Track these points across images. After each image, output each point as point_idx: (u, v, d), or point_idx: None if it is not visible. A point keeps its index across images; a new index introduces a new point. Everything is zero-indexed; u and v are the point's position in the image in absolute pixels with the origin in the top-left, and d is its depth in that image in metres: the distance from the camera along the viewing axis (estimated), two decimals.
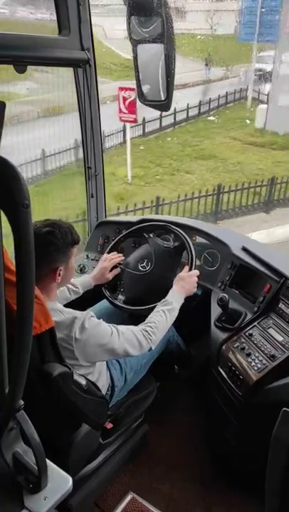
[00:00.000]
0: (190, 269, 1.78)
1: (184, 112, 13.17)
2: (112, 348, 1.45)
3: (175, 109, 12.50)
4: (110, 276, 1.90)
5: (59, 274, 1.42)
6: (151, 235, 1.99)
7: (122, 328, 1.50)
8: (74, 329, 1.38)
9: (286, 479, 1.36)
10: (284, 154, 11.17)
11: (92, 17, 1.80)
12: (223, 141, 12.09)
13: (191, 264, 1.79)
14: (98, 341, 1.43)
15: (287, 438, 1.31)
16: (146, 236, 1.98)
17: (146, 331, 1.52)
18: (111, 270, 1.92)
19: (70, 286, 1.80)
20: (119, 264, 1.95)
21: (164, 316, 1.59)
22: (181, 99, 12.96)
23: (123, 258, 1.95)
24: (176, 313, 1.63)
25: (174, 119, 12.90)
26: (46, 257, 1.38)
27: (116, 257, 1.95)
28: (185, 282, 1.70)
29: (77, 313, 1.45)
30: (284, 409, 1.32)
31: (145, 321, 1.57)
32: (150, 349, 1.53)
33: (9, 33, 1.55)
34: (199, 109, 13.85)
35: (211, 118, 13.96)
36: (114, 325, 1.50)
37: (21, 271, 0.64)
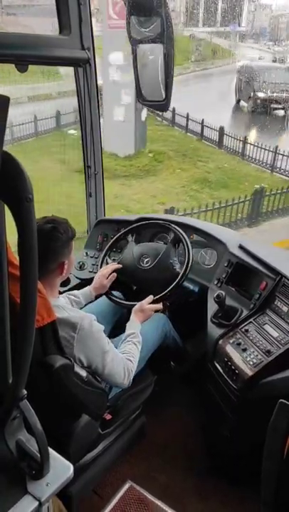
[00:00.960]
0: (186, 266, 1.80)
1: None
2: (107, 359, 1.47)
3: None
4: (107, 283, 1.91)
5: (65, 267, 1.46)
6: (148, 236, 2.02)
7: (115, 349, 1.54)
8: (76, 329, 1.39)
9: (282, 470, 1.39)
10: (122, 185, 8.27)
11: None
12: (47, 166, 7.87)
13: (188, 261, 1.82)
14: (98, 345, 1.45)
15: (284, 428, 1.34)
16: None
17: (130, 369, 1.56)
18: (108, 276, 1.93)
19: (72, 297, 1.83)
20: (115, 271, 1.96)
21: (137, 350, 1.64)
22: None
23: (121, 266, 1.97)
24: (141, 342, 1.68)
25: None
26: (53, 253, 1.41)
27: (112, 265, 1.97)
28: (143, 314, 1.76)
29: (81, 313, 1.47)
30: (280, 400, 1.35)
31: (126, 355, 1.59)
32: (126, 386, 1.58)
33: (10, 32, 1.56)
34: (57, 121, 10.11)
35: (72, 131, 8.97)
36: (112, 344, 1.53)
37: (25, 264, 0.65)
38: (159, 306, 1.81)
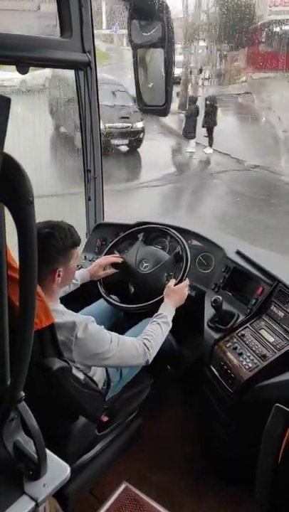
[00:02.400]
0: (183, 273, 1.81)
1: None
2: (109, 356, 1.46)
3: None
4: (102, 274, 1.93)
5: (58, 275, 1.42)
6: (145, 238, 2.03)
7: (122, 338, 1.52)
8: (74, 332, 1.39)
9: (277, 473, 1.41)
10: None
11: None
12: None
13: (186, 266, 1.82)
14: (97, 347, 1.44)
15: (279, 432, 1.35)
16: (141, 239, 2.03)
17: (146, 345, 1.53)
18: (105, 269, 1.95)
19: None
20: (113, 265, 1.97)
21: (160, 329, 1.61)
22: None
23: (121, 260, 1.97)
24: (170, 325, 1.66)
25: None
26: (45, 259, 1.38)
27: (113, 257, 1.98)
28: (175, 294, 1.72)
29: (79, 316, 1.46)
30: (276, 404, 1.36)
31: (143, 334, 1.58)
32: (147, 362, 1.55)
33: (12, 34, 1.56)
34: None
35: None
36: (116, 334, 1.51)
37: (24, 267, 0.65)
38: (187, 282, 1.78)
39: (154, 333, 1.59)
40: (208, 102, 10.79)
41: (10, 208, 0.60)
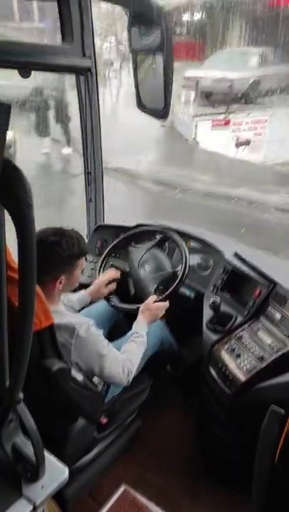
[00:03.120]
0: (182, 275, 1.80)
1: None
2: (105, 363, 1.46)
3: None
4: (106, 291, 1.90)
5: (60, 282, 1.41)
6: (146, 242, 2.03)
7: (115, 351, 1.52)
8: (74, 335, 1.38)
9: (273, 473, 1.40)
10: None
11: None
12: None
13: (185, 267, 1.82)
14: (96, 350, 1.44)
15: (275, 434, 1.34)
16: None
17: (130, 370, 1.55)
18: (107, 285, 1.92)
19: (65, 302, 1.80)
20: (114, 280, 1.96)
21: (138, 349, 1.62)
22: None
23: (119, 275, 1.96)
24: (146, 343, 1.67)
25: None
26: (49, 266, 1.37)
27: (112, 272, 1.96)
28: (150, 313, 1.73)
29: (79, 318, 1.46)
30: (272, 406, 1.35)
31: (127, 353, 1.58)
32: (128, 383, 1.57)
33: (15, 40, 1.57)
34: None
35: None
36: (111, 346, 1.52)
37: (23, 268, 0.65)
38: (166, 303, 1.77)
39: (135, 355, 1.61)
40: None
41: (9, 210, 0.60)
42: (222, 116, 8.36)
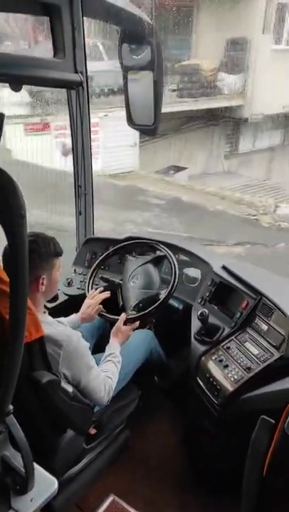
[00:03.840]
0: (173, 283, 1.81)
1: None
2: (91, 377, 1.47)
3: None
4: (94, 313, 1.86)
5: (42, 283, 1.41)
6: (134, 255, 2.03)
7: (97, 368, 1.54)
8: (62, 346, 1.37)
9: (263, 483, 1.40)
10: None
11: None
12: None
13: (174, 279, 1.83)
14: (84, 362, 1.44)
15: (265, 444, 1.35)
16: (132, 256, 2.03)
17: (110, 387, 1.56)
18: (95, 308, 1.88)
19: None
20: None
21: (116, 369, 1.64)
22: None
23: (109, 294, 1.91)
24: (121, 362, 1.68)
25: None
26: (29, 264, 1.38)
27: (102, 294, 1.91)
28: (122, 335, 1.75)
29: (68, 330, 1.45)
30: (262, 416, 1.36)
31: (106, 373, 1.59)
32: (107, 402, 1.57)
33: (6, 53, 1.58)
34: None
35: None
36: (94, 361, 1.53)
37: (15, 280, 0.65)
38: (135, 325, 1.78)
39: (113, 374, 1.62)
40: None
41: (2, 221, 0.60)
42: (38, 119, 6.86)
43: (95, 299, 1.87)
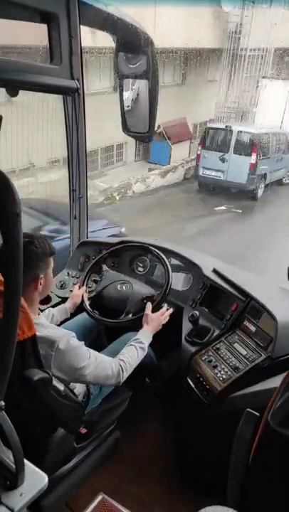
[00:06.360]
0: (166, 288, 1.81)
1: None
2: (86, 373, 1.44)
3: None
4: (81, 292, 1.93)
5: (40, 282, 1.42)
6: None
7: (100, 357, 1.51)
8: (54, 347, 1.36)
9: (247, 475, 1.40)
10: None
11: None
12: None
13: (167, 282, 1.83)
14: (75, 362, 1.42)
15: (249, 436, 1.35)
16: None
17: (121, 366, 1.53)
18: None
19: (46, 312, 1.82)
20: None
21: (136, 352, 1.61)
22: None
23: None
24: (146, 351, 1.66)
25: None
26: (29, 266, 1.37)
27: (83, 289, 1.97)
28: (153, 322, 1.74)
29: (60, 331, 1.44)
30: (247, 409, 1.37)
31: (120, 355, 1.58)
32: (118, 383, 1.55)
33: (3, 58, 1.58)
34: None
35: None
36: (94, 352, 1.50)
37: (9, 278, 0.64)
38: (163, 310, 1.78)
39: (130, 356, 1.59)
40: None
41: None
42: None
43: (81, 290, 1.95)
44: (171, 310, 1.80)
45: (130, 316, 1.81)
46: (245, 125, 10.66)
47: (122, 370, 1.53)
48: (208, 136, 9.69)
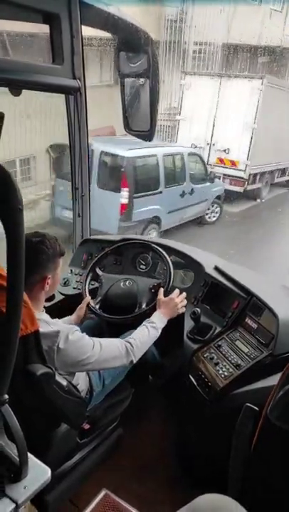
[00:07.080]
0: (166, 288, 1.81)
1: None
2: (91, 361, 1.44)
3: None
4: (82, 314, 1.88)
5: (47, 282, 1.42)
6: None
7: (105, 341, 1.50)
8: (57, 342, 1.37)
9: (247, 468, 1.41)
10: None
11: None
12: None
13: (169, 279, 1.83)
14: (79, 354, 1.42)
15: (249, 430, 1.36)
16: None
17: (130, 344, 1.53)
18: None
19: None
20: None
21: (147, 331, 1.61)
22: None
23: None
24: (158, 332, 1.65)
25: None
26: (38, 265, 1.39)
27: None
28: (166, 305, 1.72)
29: (62, 326, 1.44)
30: (246, 404, 1.37)
31: (131, 335, 1.58)
32: (131, 362, 1.53)
33: (6, 58, 1.59)
34: None
35: None
36: (98, 339, 1.49)
37: (12, 273, 0.64)
38: (176, 293, 1.77)
39: (140, 334, 1.58)
40: None
41: (0, 215, 0.60)
42: None
43: (84, 302, 1.88)
44: (184, 294, 1.79)
45: (144, 306, 1.81)
46: (115, 143, 6.35)
47: (132, 347, 1.53)
48: (64, 156, 6.29)
